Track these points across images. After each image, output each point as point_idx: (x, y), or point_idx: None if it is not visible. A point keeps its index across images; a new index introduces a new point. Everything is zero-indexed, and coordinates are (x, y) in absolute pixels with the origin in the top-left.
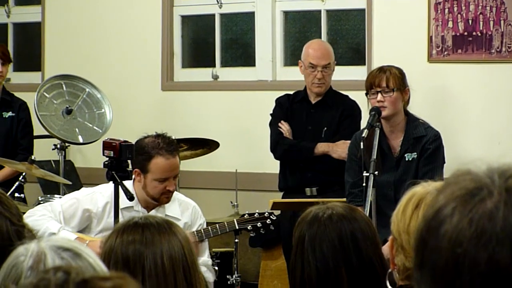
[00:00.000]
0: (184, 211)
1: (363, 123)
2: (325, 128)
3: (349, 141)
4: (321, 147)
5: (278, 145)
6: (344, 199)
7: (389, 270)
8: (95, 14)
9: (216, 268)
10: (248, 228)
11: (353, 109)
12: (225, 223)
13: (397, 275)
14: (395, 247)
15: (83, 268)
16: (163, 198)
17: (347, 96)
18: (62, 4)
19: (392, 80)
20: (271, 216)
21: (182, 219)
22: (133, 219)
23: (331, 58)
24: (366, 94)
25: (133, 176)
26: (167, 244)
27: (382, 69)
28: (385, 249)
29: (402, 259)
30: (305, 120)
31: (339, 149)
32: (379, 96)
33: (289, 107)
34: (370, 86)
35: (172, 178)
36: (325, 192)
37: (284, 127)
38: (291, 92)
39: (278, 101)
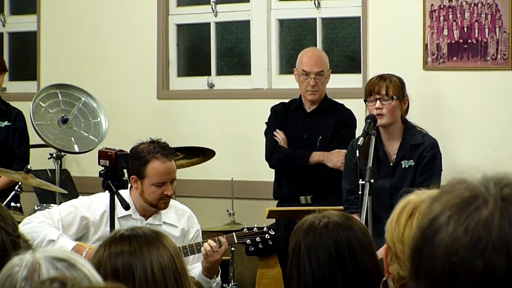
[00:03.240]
0: (180, 217)
1: (359, 130)
2: (320, 137)
3: (344, 150)
4: (316, 156)
5: (273, 154)
6: (339, 207)
7: (384, 279)
8: (90, 23)
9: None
10: (247, 242)
11: (349, 118)
12: (224, 237)
13: (391, 284)
14: (389, 255)
15: (78, 279)
16: (161, 203)
17: (342, 105)
18: (58, 14)
19: (391, 88)
20: (269, 231)
21: (179, 225)
22: (119, 232)
23: (325, 66)
24: (365, 101)
25: (130, 185)
26: (156, 253)
27: (382, 77)
28: (380, 252)
29: (397, 268)
30: (300, 128)
31: (334, 158)
32: (378, 103)
33: (284, 116)
34: (370, 93)
35: (169, 182)
36: (320, 200)
37: (279, 135)
38: (287, 101)
39: (273, 109)
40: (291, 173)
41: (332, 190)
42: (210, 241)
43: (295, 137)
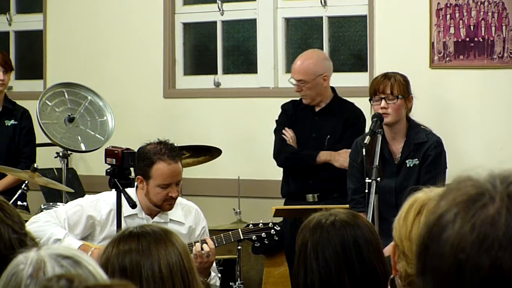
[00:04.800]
0: (187, 215)
1: (366, 128)
2: (328, 136)
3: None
4: (323, 156)
5: (280, 152)
6: (346, 206)
7: (391, 276)
8: (96, 22)
9: (219, 275)
10: (253, 238)
11: (358, 117)
12: (230, 233)
13: (399, 281)
14: (397, 253)
15: (84, 276)
16: (165, 204)
17: (352, 104)
18: (64, 12)
19: (396, 87)
20: (275, 227)
21: (186, 223)
22: (128, 229)
23: (308, 75)
24: (370, 100)
25: (136, 183)
26: (164, 251)
27: (386, 76)
28: (387, 250)
29: (404, 266)
30: (309, 127)
31: (341, 158)
32: (383, 103)
33: (293, 114)
34: (374, 92)
35: (175, 184)
36: (326, 198)
37: (288, 134)
38: (297, 98)
39: (283, 107)
40: (298, 172)
41: (339, 189)
42: (197, 244)
43: (304, 136)
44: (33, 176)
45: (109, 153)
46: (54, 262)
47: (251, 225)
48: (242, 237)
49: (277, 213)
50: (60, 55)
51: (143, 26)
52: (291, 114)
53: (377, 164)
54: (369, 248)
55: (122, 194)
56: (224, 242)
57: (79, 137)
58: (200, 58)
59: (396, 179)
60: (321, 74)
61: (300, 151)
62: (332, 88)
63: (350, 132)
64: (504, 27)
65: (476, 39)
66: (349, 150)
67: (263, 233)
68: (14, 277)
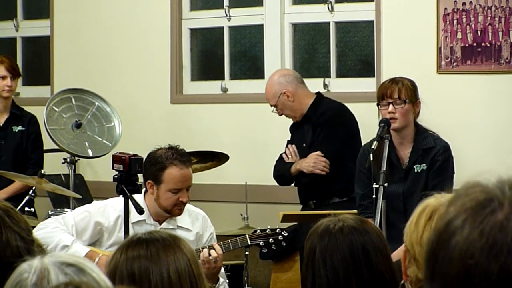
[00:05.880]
0: (194, 221)
1: (373, 134)
2: (304, 144)
3: (317, 153)
4: (294, 167)
5: (274, 173)
6: (353, 211)
7: (402, 282)
8: (104, 28)
9: (227, 280)
10: (260, 244)
11: (320, 117)
12: (237, 239)
13: (409, 287)
14: (407, 258)
15: (90, 284)
16: (175, 209)
17: (322, 104)
18: (71, 18)
19: (404, 92)
20: (282, 233)
21: (193, 229)
22: (136, 235)
23: (271, 100)
24: (378, 104)
25: (144, 189)
26: (172, 257)
27: (394, 80)
28: (396, 255)
29: (415, 271)
30: (301, 138)
31: (305, 163)
32: (391, 107)
33: (293, 130)
34: (382, 97)
35: (185, 189)
36: (321, 205)
37: (287, 150)
38: None
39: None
40: (295, 184)
41: (333, 192)
42: (205, 250)
43: (299, 148)
44: (41, 182)
45: (116, 159)
46: (58, 270)
47: (258, 230)
48: (249, 243)
49: (285, 218)
50: (67, 61)
51: (150, 32)
52: (292, 131)
53: (384, 169)
54: (377, 253)
55: (129, 200)
56: (232, 248)
57: (86, 143)
58: (207, 64)
59: (404, 185)
60: (281, 93)
61: (283, 167)
62: (317, 93)
63: (317, 134)
64: (511, 32)
65: (483, 44)
66: (314, 154)
67: (271, 239)
68: (18, 286)
